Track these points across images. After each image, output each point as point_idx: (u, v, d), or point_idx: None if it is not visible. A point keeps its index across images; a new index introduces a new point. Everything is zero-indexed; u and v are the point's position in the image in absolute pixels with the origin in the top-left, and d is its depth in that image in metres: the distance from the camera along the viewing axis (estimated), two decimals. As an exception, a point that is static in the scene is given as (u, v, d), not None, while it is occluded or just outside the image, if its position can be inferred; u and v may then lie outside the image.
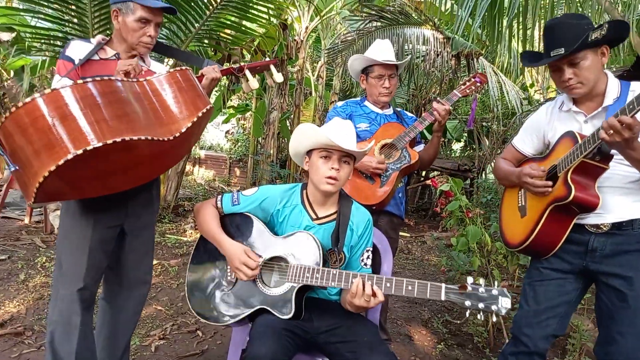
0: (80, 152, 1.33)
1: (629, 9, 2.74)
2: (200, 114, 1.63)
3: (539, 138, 1.83)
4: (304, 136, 1.72)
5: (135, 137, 1.41)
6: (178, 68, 1.66)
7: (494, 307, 1.33)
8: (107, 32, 3.70)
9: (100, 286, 1.89)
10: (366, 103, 2.55)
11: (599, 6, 2.91)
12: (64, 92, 1.36)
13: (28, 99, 1.33)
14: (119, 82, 1.48)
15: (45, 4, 3.64)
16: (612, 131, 1.36)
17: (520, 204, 1.81)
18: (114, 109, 1.43)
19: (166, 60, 3.95)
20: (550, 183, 1.62)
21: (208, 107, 1.68)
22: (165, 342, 2.66)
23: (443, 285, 1.40)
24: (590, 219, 1.61)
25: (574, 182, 1.54)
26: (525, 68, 6.97)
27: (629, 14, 2.83)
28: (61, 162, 1.32)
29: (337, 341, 1.61)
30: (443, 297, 1.39)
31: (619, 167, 1.57)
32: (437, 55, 5.49)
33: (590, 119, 1.65)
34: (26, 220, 5.16)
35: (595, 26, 1.55)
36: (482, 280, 1.39)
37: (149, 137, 1.46)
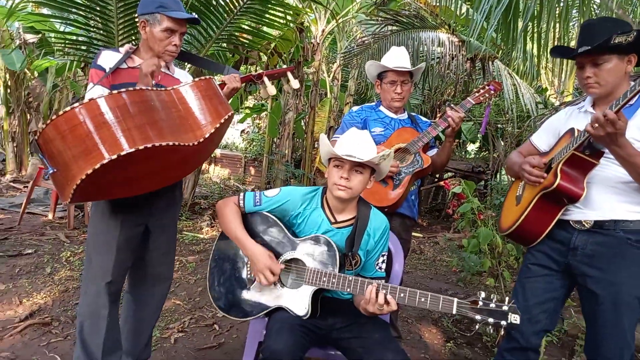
0: (114, 157, 1.44)
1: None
2: (222, 120, 1.73)
3: (554, 136, 1.88)
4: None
5: (163, 143, 1.52)
6: (202, 77, 1.76)
7: (503, 323, 1.39)
8: (132, 37, 3.85)
9: (125, 281, 2.01)
10: (381, 108, 2.63)
11: (611, 12, 2.94)
12: (100, 102, 1.48)
13: (67, 108, 1.45)
14: (148, 91, 1.60)
15: (74, 10, 3.80)
16: (597, 124, 1.43)
17: (518, 193, 1.90)
18: (144, 116, 1.54)
19: (187, 65, 4.07)
20: (545, 175, 1.69)
21: (230, 113, 1.78)
22: (184, 335, 2.78)
23: (455, 299, 1.46)
24: (574, 215, 1.69)
25: (562, 172, 1.62)
26: (542, 71, 6.97)
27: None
28: (97, 166, 1.43)
29: (349, 337, 1.70)
30: (454, 311, 1.45)
31: (611, 167, 1.63)
32: (453, 58, 5.53)
33: None
34: (50, 216, 5.36)
35: (623, 31, 1.58)
36: (493, 296, 1.44)
37: (176, 143, 1.56)
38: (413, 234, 6.91)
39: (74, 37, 4.29)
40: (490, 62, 5.56)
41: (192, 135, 1.64)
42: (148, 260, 2.06)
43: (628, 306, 1.62)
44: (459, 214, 3.10)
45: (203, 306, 3.23)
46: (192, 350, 2.61)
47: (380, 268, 1.84)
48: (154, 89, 1.63)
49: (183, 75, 2.11)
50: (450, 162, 6.38)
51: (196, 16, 1.97)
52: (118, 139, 1.46)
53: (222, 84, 2.04)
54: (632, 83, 1.63)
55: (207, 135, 1.67)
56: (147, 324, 2.14)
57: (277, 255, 1.79)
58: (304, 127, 9.14)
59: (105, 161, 1.42)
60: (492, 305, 1.42)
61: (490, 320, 1.40)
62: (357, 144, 1.74)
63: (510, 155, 2.02)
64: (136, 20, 1.93)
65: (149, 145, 1.47)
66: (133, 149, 1.45)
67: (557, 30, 3.81)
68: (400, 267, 2.21)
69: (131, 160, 1.49)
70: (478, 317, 1.42)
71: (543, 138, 1.95)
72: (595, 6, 3.35)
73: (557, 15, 3.37)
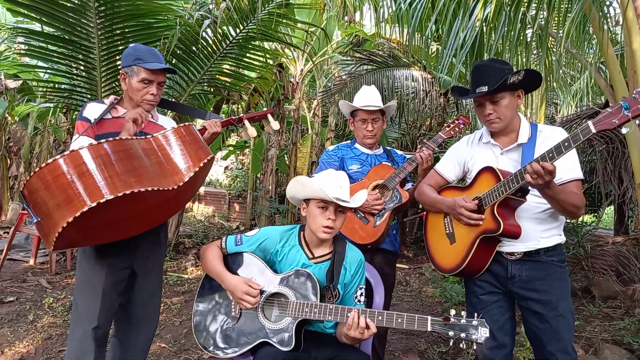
0: (95, 204, 1.51)
1: (592, 56, 2.98)
2: (202, 164, 1.82)
3: (460, 165, 2.06)
4: (302, 187, 1.88)
5: (142, 189, 1.60)
6: (182, 124, 1.86)
7: (474, 337, 1.48)
8: (115, 84, 3.95)
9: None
10: (356, 145, 2.72)
11: (566, 51, 3.16)
12: (82, 152, 1.56)
13: (50, 160, 1.53)
14: (129, 140, 1.68)
15: (56, 59, 3.91)
16: (536, 175, 1.57)
17: (448, 231, 1.98)
18: (124, 164, 1.62)
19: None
20: (483, 216, 1.80)
21: (209, 157, 1.86)
22: (169, 379, 2.75)
23: (429, 317, 1.56)
24: (505, 247, 1.84)
25: (500, 215, 1.74)
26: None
27: (595, 58, 3.07)
28: (78, 213, 1.50)
29: (331, 370, 1.74)
30: (429, 328, 1.54)
31: (530, 198, 1.78)
32: (427, 93, 5.77)
33: (505, 152, 1.90)
34: (31, 262, 5.29)
35: (515, 71, 1.80)
36: (463, 313, 1.54)
37: (155, 188, 1.64)
38: (399, 265, 6.97)
39: (57, 85, 4.39)
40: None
41: (172, 180, 1.71)
42: (134, 302, 2.09)
43: (565, 320, 1.77)
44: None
45: (189, 348, 3.20)
46: (177, 393, 2.59)
47: (359, 301, 1.90)
48: (135, 137, 1.72)
49: (166, 121, 2.20)
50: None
51: (171, 67, 2.09)
52: (99, 187, 1.53)
53: (203, 129, 2.13)
54: (522, 116, 1.91)
55: (186, 179, 1.74)
56: (132, 368, 2.14)
57: (260, 291, 1.83)
58: (287, 163, 9.26)
59: (86, 208, 1.49)
60: (463, 320, 1.51)
61: (462, 335, 1.49)
62: (340, 186, 1.83)
63: (424, 190, 2.10)
64: (119, 71, 2.04)
65: (129, 192, 1.54)
66: (113, 196, 1.52)
67: (519, 65, 4.04)
68: (381, 299, 2.26)
69: (113, 206, 1.56)
70: (451, 332, 1.51)
71: (449, 168, 2.09)
72: (552, 45, 3.58)
73: (517, 52, 3.59)
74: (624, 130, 1.50)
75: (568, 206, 1.71)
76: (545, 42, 3.01)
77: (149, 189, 1.62)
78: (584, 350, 3.38)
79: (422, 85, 5.67)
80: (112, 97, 2.05)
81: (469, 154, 2.03)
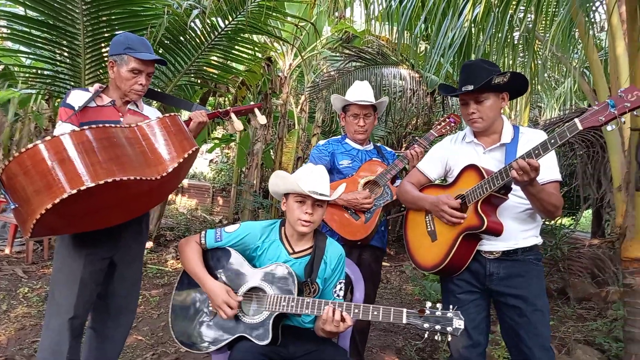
0: (74, 191, 1.48)
1: (577, 61, 3.03)
2: (186, 155, 1.80)
3: (442, 164, 2.08)
4: (282, 181, 1.88)
5: (125, 178, 1.57)
6: (168, 114, 1.84)
7: (449, 329, 1.50)
8: (99, 72, 3.88)
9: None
10: (347, 140, 2.72)
11: (552, 54, 3.21)
12: (64, 139, 1.53)
13: (31, 145, 1.50)
14: (112, 128, 1.66)
15: (40, 44, 3.81)
16: (522, 172, 1.59)
17: (429, 229, 2.00)
18: (107, 152, 1.59)
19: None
20: (465, 215, 1.82)
21: (194, 148, 1.85)
22: (146, 371, 2.73)
23: (404, 310, 1.57)
24: (484, 247, 1.86)
25: (484, 212, 1.76)
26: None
27: (580, 62, 3.12)
28: (57, 200, 1.47)
29: (309, 364, 1.75)
30: (404, 321, 1.55)
31: (511, 198, 1.81)
32: (414, 92, 5.80)
33: (488, 152, 1.93)
34: (7, 251, 5.17)
35: (501, 73, 1.83)
36: (439, 305, 1.55)
37: (138, 177, 1.62)
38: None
39: (39, 71, 4.28)
40: (449, 97, 5.84)
41: (155, 170, 1.69)
42: (112, 293, 2.06)
43: (543, 316, 1.82)
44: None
45: (166, 341, 3.18)
46: (154, 386, 2.57)
47: (338, 295, 1.91)
48: (118, 125, 1.69)
49: (152, 111, 2.17)
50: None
51: (161, 58, 2.06)
52: (80, 174, 1.50)
53: (189, 120, 2.11)
54: (505, 118, 1.94)
55: (169, 170, 1.72)
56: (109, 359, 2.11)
57: (238, 286, 1.83)
58: (272, 157, 9.22)
59: (65, 195, 1.46)
60: (438, 312, 1.53)
61: (437, 327, 1.50)
62: (317, 179, 1.83)
63: (406, 188, 2.11)
64: (106, 58, 2.00)
65: (110, 180, 1.52)
66: (94, 184, 1.49)
67: (506, 66, 4.09)
68: (361, 295, 2.27)
69: (94, 194, 1.53)
70: (426, 325, 1.52)
71: (432, 167, 2.10)
72: (538, 48, 3.63)
73: (504, 54, 3.63)
74: (609, 128, 1.53)
75: (548, 205, 1.75)
76: (531, 44, 3.05)
77: (132, 177, 1.59)
78: (557, 350, 3.45)
79: (410, 84, 5.70)
80: (97, 85, 2.01)
81: (452, 153, 2.05)
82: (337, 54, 6.58)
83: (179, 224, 8.38)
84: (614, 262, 4.97)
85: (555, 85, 6.81)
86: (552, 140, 1.59)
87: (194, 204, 12.35)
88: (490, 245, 1.86)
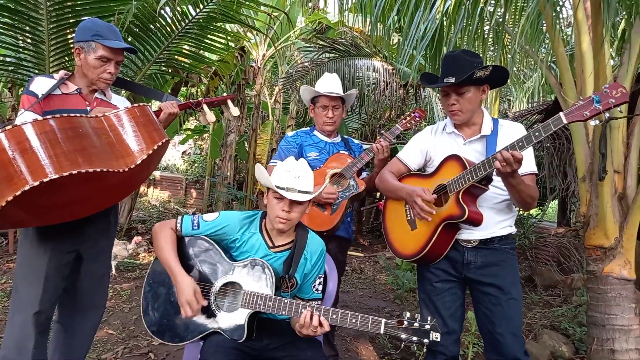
0: (37, 183, 1.43)
1: (544, 54, 3.09)
2: (156, 147, 1.75)
3: (422, 154, 2.09)
4: (260, 175, 1.84)
5: (91, 169, 1.52)
6: (136, 104, 1.79)
7: (425, 340, 1.51)
8: (64, 60, 3.75)
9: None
10: (315, 132, 2.73)
11: (521, 48, 3.27)
12: (25, 128, 1.47)
13: (-10, 135, 1.43)
14: (78, 118, 1.60)
15: (1, 31, 3.65)
16: (505, 163, 1.62)
17: (409, 217, 2.01)
18: (72, 143, 1.54)
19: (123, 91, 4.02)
20: (434, 211, 1.83)
21: (164, 140, 1.80)
22: (117, 366, 2.69)
23: (383, 320, 1.57)
24: (462, 235, 1.90)
25: (465, 202, 1.80)
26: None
27: (547, 56, 3.18)
28: (19, 192, 1.41)
29: (283, 355, 1.75)
30: (382, 331, 1.55)
31: (490, 189, 1.85)
32: (387, 84, 5.83)
33: (468, 143, 1.96)
34: (-31, 245, 4.99)
35: (483, 66, 1.85)
36: (417, 316, 1.56)
37: (105, 169, 1.57)
38: (355, 254, 7.08)
39: (1, 58, 4.11)
40: (421, 89, 5.90)
41: (123, 162, 1.65)
42: (80, 287, 2.00)
43: (517, 304, 1.87)
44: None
45: (138, 335, 3.13)
46: (125, 380, 2.53)
47: (317, 290, 1.90)
48: (84, 115, 1.64)
49: (120, 101, 2.11)
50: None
51: (131, 46, 2.00)
52: (43, 165, 1.45)
53: (159, 111, 2.06)
54: (485, 110, 1.97)
55: (138, 162, 1.68)
56: (77, 355, 2.06)
57: (213, 278, 1.80)
58: (246, 149, 9.15)
59: (27, 187, 1.41)
60: (416, 324, 1.53)
61: (414, 338, 1.51)
62: (296, 177, 1.78)
63: (385, 176, 2.12)
64: (71, 45, 1.92)
65: (75, 172, 1.47)
66: (58, 175, 1.44)
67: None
68: (335, 286, 2.29)
69: (59, 186, 1.48)
70: (403, 335, 1.53)
71: (412, 156, 2.11)
72: (508, 39, 3.71)
73: (475, 47, 3.69)
74: (592, 123, 1.57)
75: (526, 197, 1.78)
76: (501, 37, 3.11)
77: (98, 170, 1.54)
78: (524, 336, 3.56)
79: (383, 76, 5.72)
80: (62, 72, 1.94)
81: (432, 143, 2.07)
82: (311, 45, 6.55)
83: (151, 217, 8.24)
84: (578, 250, 5.17)
85: (524, 79, 6.97)
86: (537, 133, 1.62)
87: (167, 196, 12.18)
88: (468, 234, 1.90)
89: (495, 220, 1.90)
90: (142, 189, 11.49)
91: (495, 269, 1.89)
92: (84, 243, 1.94)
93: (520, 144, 1.64)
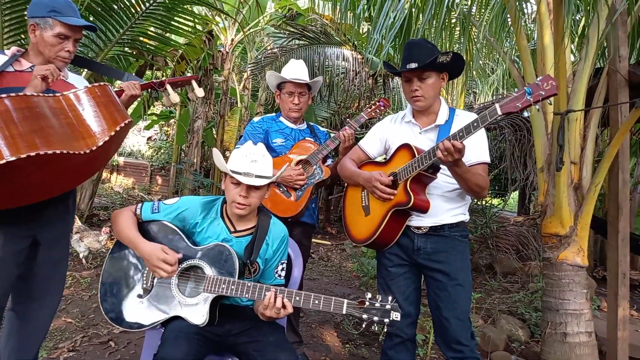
0: None
1: (508, 48, 3.17)
2: (118, 128, 1.69)
3: (381, 142, 2.15)
4: (217, 162, 1.81)
5: (49, 151, 1.46)
6: (97, 84, 1.71)
7: (386, 320, 1.54)
8: (20, 37, 3.56)
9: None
10: (281, 118, 2.72)
11: (486, 40, 3.35)
12: (-23, 107, 1.39)
13: (-62, 113, 1.35)
14: (35, 97, 1.53)
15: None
16: (446, 153, 1.67)
17: (364, 204, 2.08)
18: (29, 123, 1.47)
19: (84, 70, 3.86)
20: (395, 192, 1.90)
21: (126, 121, 1.74)
22: (75, 354, 2.62)
23: (345, 300, 1.59)
24: (413, 222, 1.96)
25: (412, 190, 1.85)
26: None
27: (511, 50, 3.26)
28: (-30, 175, 1.35)
29: (246, 341, 1.74)
30: (344, 312, 1.58)
31: (440, 177, 1.91)
32: (356, 74, 5.84)
33: (424, 132, 2.01)
34: None
35: (444, 52, 1.91)
36: (378, 296, 1.59)
37: (64, 151, 1.51)
38: (322, 242, 7.13)
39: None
40: (390, 79, 5.95)
41: (84, 143, 1.59)
42: (36, 274, 1.92)
43: (464, 289, 1.93)
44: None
45: (98, 323, 3.06)
46: (85, 369, 2.48)
47: (279, 276, 1.90)
48: (42, 94, 1.57)
49: (79, 80, 2.03)
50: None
51: (91, 24, 1.92)
52: (-2, 147, 1.38)
53: (120, 91, 2.00)
54: (442, 100, 2.03)
55: (100, 144, 1.62)
56: (32, 343, 1.98)
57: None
58: (214, 136, 9.01)
59: (-18, 170, 1.34)
60: (377, 304, 1.56)
61: (375, 318, 1.54)
62: (253, 161, 1.76)
63: (345, 163, 2.18)
64: (28, 21, 1.82)
65: (33, 154, 1.41)
66: (14, 158, 1.38)
67: (444, 49, 4.22)
68: (300, 272, 2.30)
69: (15, 169, 1.42)
70: (365, 315, 1.55)
71: (372, 145, 2.17)
72: (474, 33, 3.77)
73: (443, 38, 3.74)
74: (525, 114, 1.63)
75: (473, 185, 1.84)
76: (467, 29, 3.16)
77: (57, 152, 1.48)
78: (483, 320, 3.70)
79: (353, 66, 5.73)
80: (14, 49, 1.84)
81: (391, 132, 2.11)
82: (281, 31, 6.47)
83: (114, 203, 8.03)
84: (536, 239, 5.38)
85: (489, 72, 7.13)
86: (475, 124, 1.67)
87: (131, 183, 11.87)
88: (419, 221, 1.95)
89: (446, 208, 1.95)
90: (105, 174, 11.16)
91: (444, 255, 1.94)
92: (40, 228, 1.86)
93: (461, 134, 1.69)
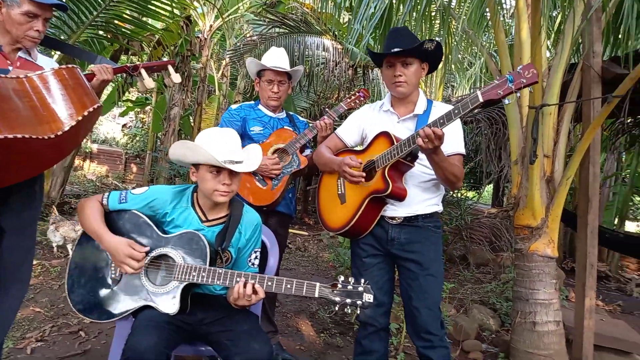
0: None
1: (486, 41, 3.18)
2: (86, 113, 1.64)
3: (359, 131, 2.15)
4: (191, 152, 1.72)
5: (10, 135, 1.40)
6: (64, 66, 1.65)
7: (359, 302, 1.53)
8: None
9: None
10: (260, 106, 2.68)
11: (465, 32, 3.36)
12: None
13: None
14: (-4, 78, 1.46)
15: None
16: (427, 139, 1.67)
17: (340, 192, 2.08)
18: (-11, 105, 1.41)
19: (53, 52, 3.72)
20: (364, 174, 1.90)
21: (95, 106, 1.68)
22: (44, 344, 2.55)
23: (317, 284, 1.57)
24: (387, 212, 1.96)
25: (390, 177, 1.85)
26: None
27: (489, 44, 3.28)
28: None
29: (218, 330, 1.72)
30: (317, 295, 1.56)
31: (417, 167, 1.92)
32: (337, 64, 5.81)
33: (402, 121, 2.01)
34: None
35: (429, 40, 1.92)
36: (351, 279, 1.58)
37: (27, 135, 1.45)
38: (299, 232, 7.12)
39: None
40: (370, 70, 5.94)
41: (48, 128, 1.53)
42: (2, 261, 1.85)
43: (435, 280, 1.95)
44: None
45: (68, 313, 2.99)
46: (53, 359, 2.42)
47: (253, 264, 1.88)
48: (3, 76, 1.50)
49: (47, 62, 1.95)
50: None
51: (62, 2, 1.84)
52: (-44, 129, 1.32)
53: (92, 75, 1.93)
54: (420, 91, 2.04)
55: (65, 129, 1.56)
56: (-4, 333, 1.93)
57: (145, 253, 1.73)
58: (191, 123, 8.86)
59: (-62, 153, 1.28)
60: (350, 287, 1.55)
61: (348, 300, 1.53)
62: (230, 149, 1.72)
63: (321, 150, 2.17)
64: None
65: None
66: (-27, 141, 1.32)
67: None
68: (275, 261, 2.28)
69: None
70: (337, 299, 1.54)
71: (349, 133, 2.16)
72: (453, 26, 3.79)
73: (423, 29, 3.75)
74: (506, 102, 1.63)
75: (449, 175, 1.85)
76: (447, 22, 3.16)
77: (19, 136, 1.42)
78: (456, 310, 3.77)
79: (333, 56, 5.69)
80: (-22, 27, 1.76)
81: (369, 121, 2.11)
82: (261, 19, 6.37)
83: (87, 192, 7.84)
84: (508, 231, 5.49)
85: (468, 66, 7.20)
86: (456, 111, 1.67)
87: (105, 171, 11.60)
88: (393, 211, 1.95)
89: (421, 198, 1.97)
90: (78, 162, 10.88)
91: (417, 245, 1.95)
92: (5, 215, 1.79)
93: (442, 120, 1.69)
